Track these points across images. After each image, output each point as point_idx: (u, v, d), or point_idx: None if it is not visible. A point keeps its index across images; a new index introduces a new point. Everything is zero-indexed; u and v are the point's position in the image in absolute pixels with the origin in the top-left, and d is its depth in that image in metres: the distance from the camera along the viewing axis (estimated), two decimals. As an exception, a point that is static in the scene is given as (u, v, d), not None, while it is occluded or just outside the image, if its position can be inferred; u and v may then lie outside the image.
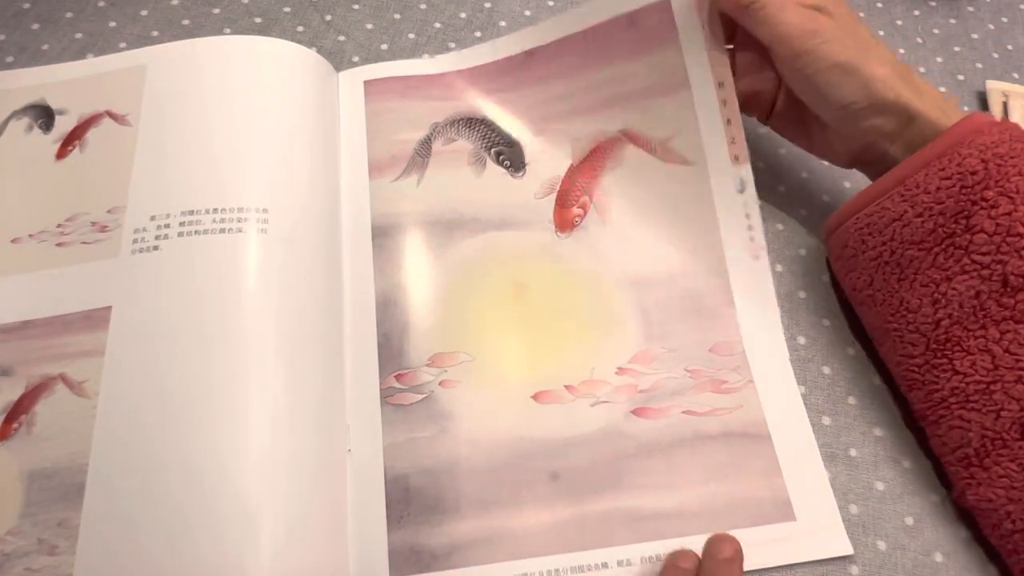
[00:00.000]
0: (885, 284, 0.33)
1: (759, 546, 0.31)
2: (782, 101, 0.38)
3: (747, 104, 0.39)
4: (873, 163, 0.36)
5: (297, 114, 0.38)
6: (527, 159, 0.40)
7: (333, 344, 0.34)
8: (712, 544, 0.30)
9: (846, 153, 0.37)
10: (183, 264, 0.33)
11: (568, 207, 0.39)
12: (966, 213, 0.31)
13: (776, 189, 0.42)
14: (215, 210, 0.34)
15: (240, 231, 0.33)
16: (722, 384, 0.35)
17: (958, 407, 0.31)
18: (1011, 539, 0.30)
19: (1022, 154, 0.31)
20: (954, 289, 0.31)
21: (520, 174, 0.40)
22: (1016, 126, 0.32)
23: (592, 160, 0.40)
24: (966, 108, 0.47)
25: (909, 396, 0.34)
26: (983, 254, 0.31)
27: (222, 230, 0.33)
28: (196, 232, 0.33)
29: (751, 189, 0.36)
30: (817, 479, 0.33)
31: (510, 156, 0.40)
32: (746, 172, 0.36)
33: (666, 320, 0.36)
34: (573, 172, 0.40)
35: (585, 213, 0.39)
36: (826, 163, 0.42)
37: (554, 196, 0.39)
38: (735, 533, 0.31)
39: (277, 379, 0.31)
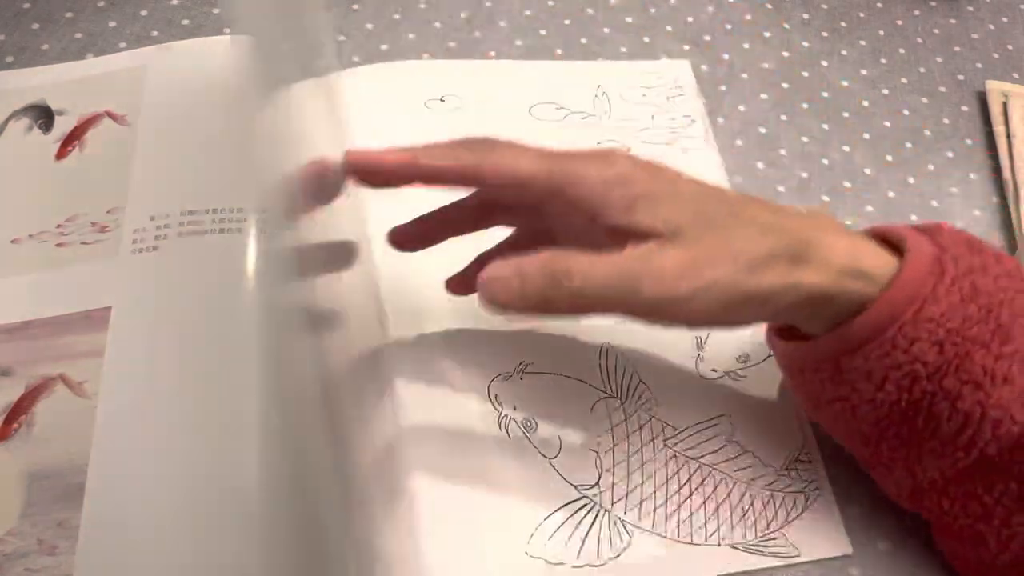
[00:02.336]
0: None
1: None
2: None
3: None
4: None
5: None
6: None
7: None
8: None
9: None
10: (183, 264, 0.33)
11: None
12: (927, 403, 0.25)
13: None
14: (215, 210, 0.34)
15: (239, 231, 0.33)
16: None
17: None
18: None
19: (978, 320, 0.25)
20: (923, 468, 0.27)
21: None
22: (960, 256, 0.26)
23: None
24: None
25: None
26: (952, 443, 0.26)
27: (222, 230, 0.33)
28: (196, 232, 0.33)
29: None
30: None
31: None
32: None
33: None
34: None
35: None
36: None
37: None
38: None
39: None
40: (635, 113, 0.43)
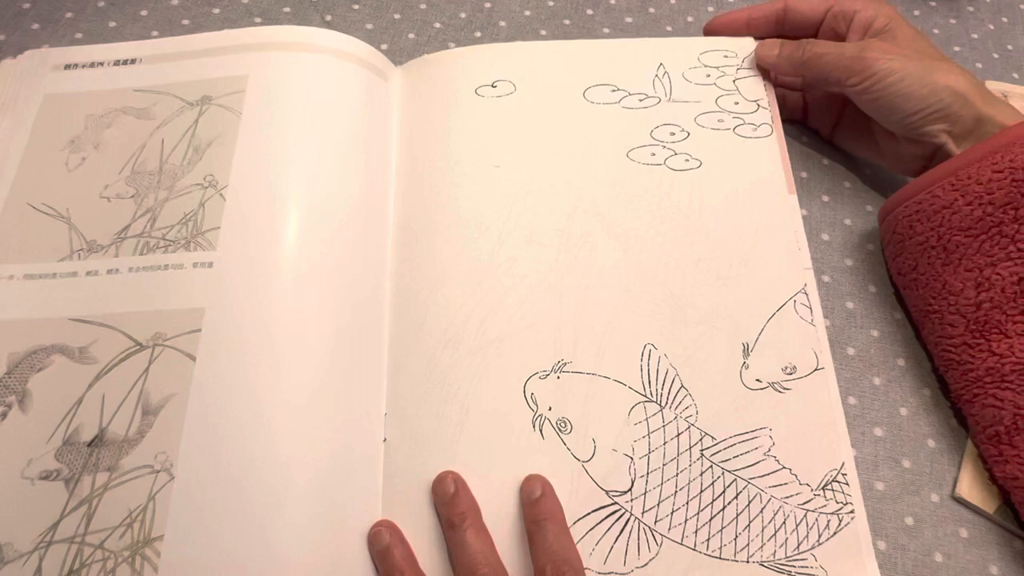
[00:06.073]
0: (929, 268, 0.35)
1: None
2: (847, 116, 0.41)
3: (812, 120, 0.43)
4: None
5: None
6: None
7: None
8: (523, 489, 0.31)
9: (913, 159, 0.38)
10: None
11: None
12: (1015, 204, 0.32)
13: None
14: None
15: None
16: None
17: (992, 386, 0.32)
18: None
19: None
20: (998, 274, 0.33)
21: None
22: None
23: None
24: None
25: (947, 376, 0.35)
26: None
27: None
28: None
29: None
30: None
31: None
32: None
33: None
34: None
35: None
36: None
37: None
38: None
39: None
40: (698, 94, 0.41)
